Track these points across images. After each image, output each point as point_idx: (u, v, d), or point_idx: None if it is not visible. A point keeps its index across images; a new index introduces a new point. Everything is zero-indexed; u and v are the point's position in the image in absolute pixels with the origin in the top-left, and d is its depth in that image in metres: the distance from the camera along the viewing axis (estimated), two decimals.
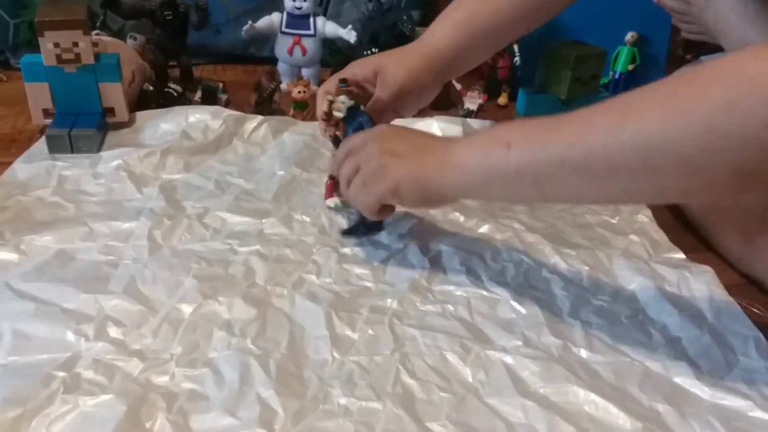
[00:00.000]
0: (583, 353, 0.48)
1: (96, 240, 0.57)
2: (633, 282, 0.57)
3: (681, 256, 0.61)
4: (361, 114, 0.59)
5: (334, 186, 0.64)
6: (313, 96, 0.85)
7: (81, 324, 0.47)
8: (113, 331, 0.47)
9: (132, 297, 0.51)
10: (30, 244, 0.56)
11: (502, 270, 0.57)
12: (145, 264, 0.54)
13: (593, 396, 0.44)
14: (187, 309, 0.50)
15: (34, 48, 0.73)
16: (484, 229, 0.63)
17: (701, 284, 0.56)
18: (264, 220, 0.62)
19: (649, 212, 0.68)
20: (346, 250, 0.59)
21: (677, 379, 0.47)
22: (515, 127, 0.48)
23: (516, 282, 0.56)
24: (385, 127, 0.58)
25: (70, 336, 0.46)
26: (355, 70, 0.64)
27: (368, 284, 0.54)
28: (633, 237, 0.63)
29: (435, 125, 0.81)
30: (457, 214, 0.65)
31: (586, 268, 0.58)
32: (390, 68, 0.63)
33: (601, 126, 0.40)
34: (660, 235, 0.64)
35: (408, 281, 0.55)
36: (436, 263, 0.57)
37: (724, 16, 0.65)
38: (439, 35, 0.65)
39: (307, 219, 0.63)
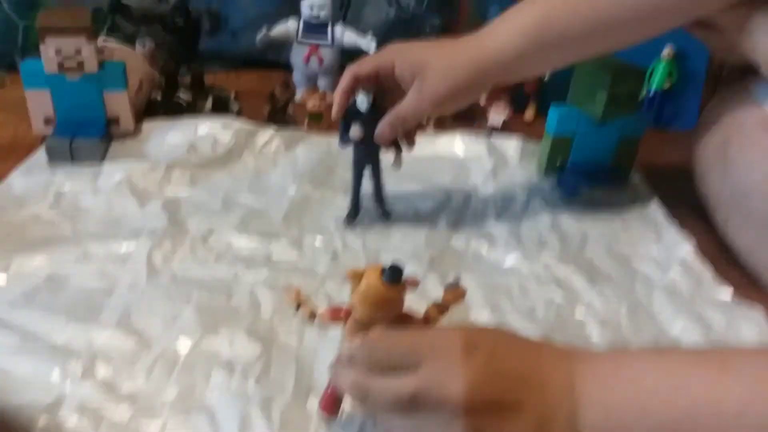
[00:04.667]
0: None
1: (91, 263, 0.53)
2: (676, 325, 0.51)
3: (728, 293, 0.55)
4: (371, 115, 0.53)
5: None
6: (329, 107, 0.80)
7: (68, 361, 0.43)
8: (102, 370, 0.43)
9: (125, 330, 0.46)
10: (20, 266, 0.52)
11: (530, 308, 0.52)
12: (141, 292, 0.50)
13: None
14: (184, 345, 0.46)
15: None
16: (510, 260, 0.58)
17: (751, 329, 0.50)
18: (273, 244, 0.58)
19: (692, 243, 0.62)
20: None
21: None
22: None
23: (546, 322, 0.51)
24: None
25: (56, 375, 0.42)
26: (394, 59, 0.56)
27: None
28: (675, 271, 0.58)
29: (458, 140, 0.77)
30: (483, 240, 0.60)
31: (624, 309, 0.53)
32: (433, 78, 0.54)
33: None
34: (705, 269, 0.58)
35: None
36: None
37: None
38: (504, 38, 0.55)
39: (319, 244, 0.59)
